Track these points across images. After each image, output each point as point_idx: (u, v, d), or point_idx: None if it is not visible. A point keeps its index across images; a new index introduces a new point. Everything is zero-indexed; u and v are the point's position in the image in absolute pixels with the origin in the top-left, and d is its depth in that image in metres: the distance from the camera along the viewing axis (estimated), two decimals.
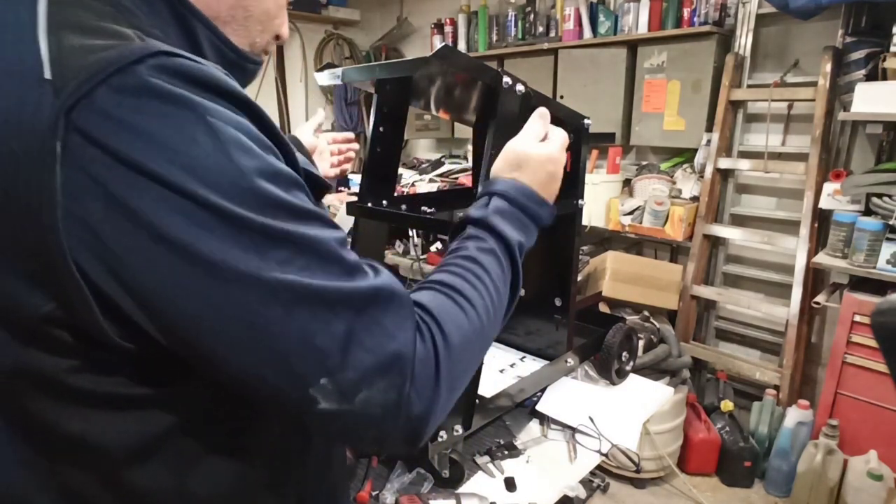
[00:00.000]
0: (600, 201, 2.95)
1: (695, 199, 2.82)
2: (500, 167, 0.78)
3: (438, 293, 0.57)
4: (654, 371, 2.51)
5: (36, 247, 0.42)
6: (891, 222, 2.06)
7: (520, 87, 1.00)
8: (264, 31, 0.65)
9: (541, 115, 0.83)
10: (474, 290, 0.59)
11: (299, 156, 0.55)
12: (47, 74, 0.42)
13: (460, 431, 1.05)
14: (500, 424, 1.31)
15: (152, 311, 0.44)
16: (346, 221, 1.32)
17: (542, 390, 1.36)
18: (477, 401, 1.11)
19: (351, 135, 1.31)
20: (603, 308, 2.67)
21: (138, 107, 0.42)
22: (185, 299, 0.43)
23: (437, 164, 3.93)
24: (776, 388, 2.57)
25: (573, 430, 1.29)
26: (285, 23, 0.68)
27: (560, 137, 0.83)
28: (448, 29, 3.82)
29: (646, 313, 2.72)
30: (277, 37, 0.68)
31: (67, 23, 0.45)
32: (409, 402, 0.49)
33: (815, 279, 2.59)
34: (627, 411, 1.38)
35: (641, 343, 2.53)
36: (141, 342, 0.46)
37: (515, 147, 0.78)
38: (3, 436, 0.51)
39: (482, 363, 0.64)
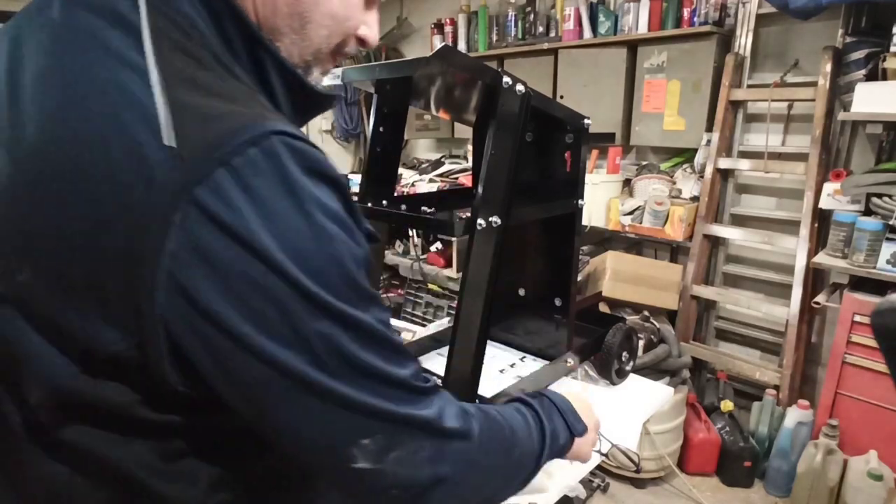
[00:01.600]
0: (600, 201, 2.95)
1: (695, 199, 2.82)
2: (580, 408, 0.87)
3: (494, 414, 0.66)
4: (654, 371, 2.50)
5: (126, 295, 0.43)
6: (891, 222, 2.06)
7: (520, 87, 1.00)
8: (331, 35, 0.59)
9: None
10: (515, 433, 0.68)
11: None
12: (168, 140, 0.41)
13: None
14: None
15: (225, 374, 0.46)
16: None
17: None
18: (477, 401, 1.11)
19: None
20: (603, 308, 2.67)
21: (255, 188, 0.42)
22: (255, 372, 0.45)
23: (437, 164, 3.93)
24: (776, 388, 2.57)
25: None
26: (368, 24, 0.63)
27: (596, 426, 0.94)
28: (448, 29, 3.82)
29: (646, 313, 2.72)
30: (361, 41, 0.63)
31: (175, 71, 0.44)
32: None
33: (815, 279, 2.58)
34: (627, 411, 1.38)
35: (641, 343, 2.53)
36: (198, 390, 0.47)
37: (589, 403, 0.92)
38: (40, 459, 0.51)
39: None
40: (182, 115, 0.42)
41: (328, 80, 1.14)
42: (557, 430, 0.77)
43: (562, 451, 0.79)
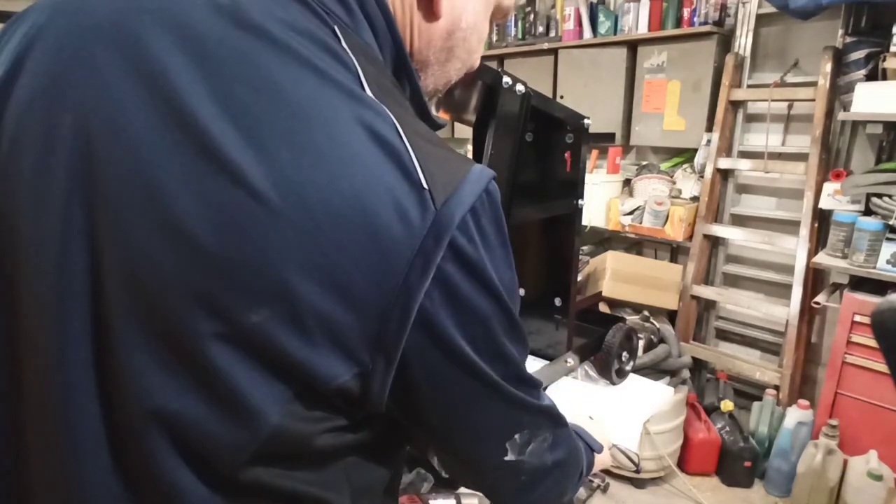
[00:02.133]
0: (600, 201, 2.95)
1: (695, 199, 2.82)
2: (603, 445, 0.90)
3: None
4: (654, 371, 2.50)
5: (373, 332, 0.43)
6: (891, 222, 2.06)
7: (520, 87, 1.00)
8: (462, 68, 0.61)
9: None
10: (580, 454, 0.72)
11: None
12: (425, 183, 0.42)
13: None
14: None
15: (438, 390, 0.49)
16: None
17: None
18: None
19: None
20: (603, 308, 2.67)
21: (483, 226, 0.45)
22: (472, 401, 0.50)
23: None
24: (776, 388, 2.57)
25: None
26: (480, 53, 0.64)
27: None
28: None
29: (646, 313, 2.72)
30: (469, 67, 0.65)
31: (397, 114, 0.44)
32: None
33: (815, 279, 2.58)
34: (627, 411, 1.38)
35: (641, 343, 2.53)
36: (392, 408, 0.48)
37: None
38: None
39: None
40: (421, 158, 0.43)
41: None
42: (586, 444, 0.82)
43: (590, 467, 0.83)
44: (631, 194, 3.01)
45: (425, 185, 0.42)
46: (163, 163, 0.41)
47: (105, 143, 0.43)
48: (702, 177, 2.79)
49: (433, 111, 0.61)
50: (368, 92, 0.44)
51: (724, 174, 2.81)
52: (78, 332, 0.44)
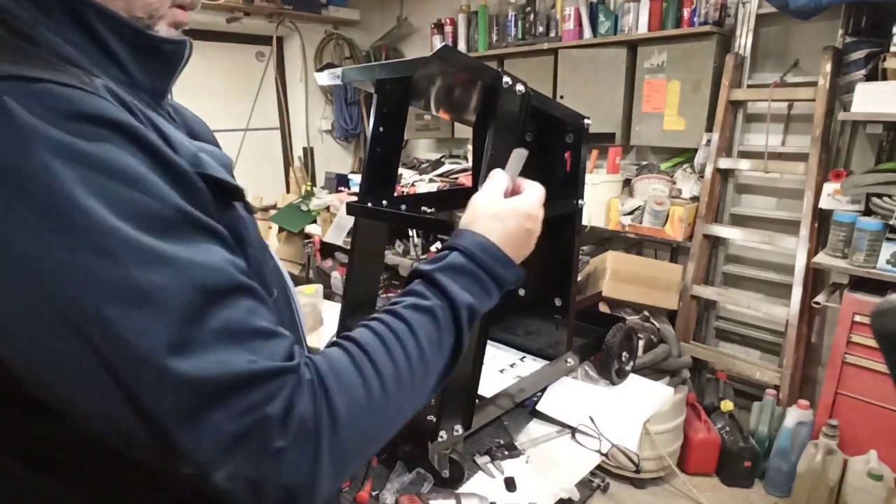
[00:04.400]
0: (600, 201, 2.95)
1: (695, 199, 2.82)
2: (469, 219, 0.71)
3: (345, 355, 0.55)
4: (654, 371, 2.51)
5: None
6: (891, 222, 2.06)
7: (520, 87, 1.00)
8: None
9: (501, 175, 0.79)
10: (388, 358, 0.56)
11: (207, 160, 0.53)
12: None
13: (460, 431, 1.05)
14: (499, 424, 1.31)
15: None
16: (346, 221, 1.32)
17: (542, 390, 1.37)
18: (477, 401, 1.11)
19: None
20: (603, 308, 2.67)
21: None
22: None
23: (437, 164, 3.93)
24: (776, 388, 2.57)
25: (573, 430, 1.29)
26: None
27: (537, 192, 0.78)
28: (448, 29, 3.82)
29: (646, 313, 2.72)
30: (181, 6, 0.61)
31: None
32: (277, 476, 0.46)
33: (815, 279, 2.59)
34: (627, 411, 1.38)
35: (641, 343, 2.53)
36: None
37: (486, 200, 0.73)
38: None
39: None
40: None
41: (329, 79, 1.15)
42: (480, 305, 0.65)
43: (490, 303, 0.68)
44: (631, 194, 3.01)
45: None
46: None
47: None
48: (702, 177, 2.79)
49: (164, 33, 0.58)
50: None
51: (724, 174, 2.81)
52: None
